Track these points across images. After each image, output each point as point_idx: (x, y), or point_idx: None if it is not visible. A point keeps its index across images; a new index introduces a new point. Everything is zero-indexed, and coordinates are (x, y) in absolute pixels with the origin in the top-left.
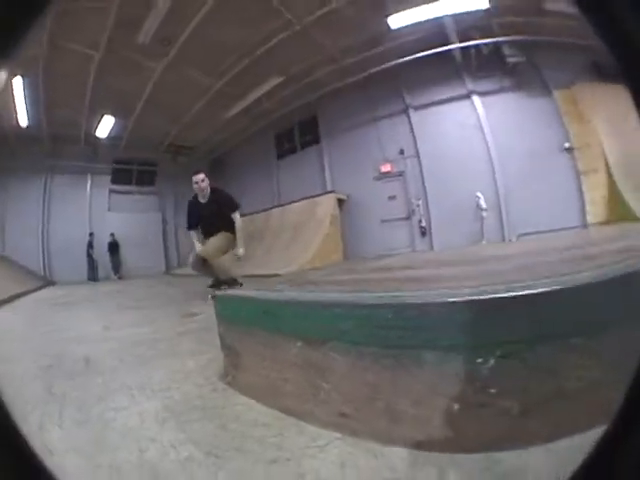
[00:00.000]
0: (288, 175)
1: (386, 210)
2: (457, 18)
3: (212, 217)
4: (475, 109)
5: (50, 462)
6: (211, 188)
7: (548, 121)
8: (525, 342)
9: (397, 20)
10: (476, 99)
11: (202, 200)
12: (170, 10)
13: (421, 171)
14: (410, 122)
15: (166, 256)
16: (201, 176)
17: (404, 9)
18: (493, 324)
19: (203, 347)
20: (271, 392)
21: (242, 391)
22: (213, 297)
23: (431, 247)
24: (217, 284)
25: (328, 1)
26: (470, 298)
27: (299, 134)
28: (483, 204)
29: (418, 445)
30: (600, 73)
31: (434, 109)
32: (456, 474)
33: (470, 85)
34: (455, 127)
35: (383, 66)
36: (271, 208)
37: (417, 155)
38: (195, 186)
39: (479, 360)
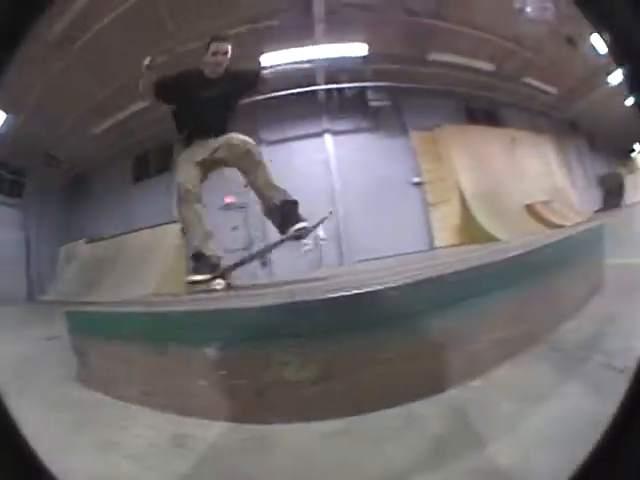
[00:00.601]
0: (143, 200)
1: (229, 240)
2: (330, 62)
3: (219, 105)
4: (325, 146)
5: (50, 462)
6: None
7: (400, 159)
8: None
9: (270, 59)
10: (328, 137)
11: (211, 75)
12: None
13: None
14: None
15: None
16: (227, 47)
17: (280, 49)
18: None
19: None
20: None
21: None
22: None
23: (271, 276)
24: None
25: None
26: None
27: (154, 159)
28: (321, 234)
29: (206, 416)
30: (469, 117)
31: (285, 145)
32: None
33: (326, 124)
34: (303, 163)
35: (242, 101)
36: (126, 233)
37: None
38: (211, 58)
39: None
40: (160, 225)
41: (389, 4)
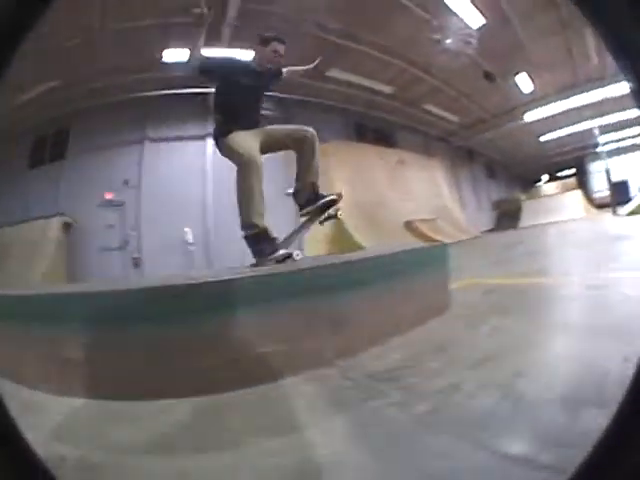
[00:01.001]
0: (37, 187)
1: (105, 238)
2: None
3: (258, 96)
4: (206, 151)
5: (50, 462)
6: None
7: (280, 169)
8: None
9: (171, 55)
10: (209, 142)
11: (258, 68)
12: None
13: (139, 203)
14: (142, 154)
15: None
16: (284, 48)
17: (182, 47)
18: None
19: None
20: None
21: None
22: None
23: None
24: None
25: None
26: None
27: (51, 145)
28: (190, 239)
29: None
30: (359, 134)
31: (170, 144)
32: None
33: (210, 128)
34: (181, 165)
35: (139, 94)
36: (20, 222)
37: (139, 187)
38: (271, 55)
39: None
40: (46, 217)
41: (303, 16)
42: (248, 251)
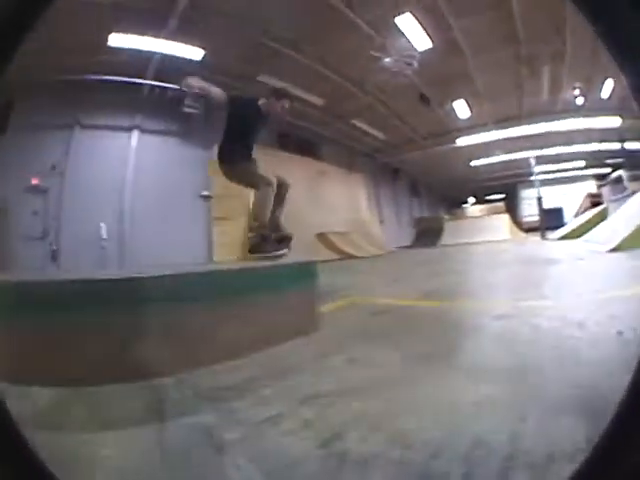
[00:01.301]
0: None
1: (29, 226)
2: (167, 58)
3: (256, 134)
4: (131, 143)
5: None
6: None
7: (198, 169)
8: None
9: (117, 40)
10: (136, 134)
11: (264, 113)
12: None
13: (62, 191)
14: (71, 139)
15: None
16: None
17: (128, 33)
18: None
19: None
20: None
21: None
22: None
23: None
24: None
25: None
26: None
27: None
28: (104, 234)
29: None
30: (282, 143)
31: (96, 133)
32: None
33: (138, 120)
34: (106, 156)
35: (78, 77)
36: None
37: (64, 174)
38: (279, 108)
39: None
40: None
41: (251, 18)
42: (159, 251)
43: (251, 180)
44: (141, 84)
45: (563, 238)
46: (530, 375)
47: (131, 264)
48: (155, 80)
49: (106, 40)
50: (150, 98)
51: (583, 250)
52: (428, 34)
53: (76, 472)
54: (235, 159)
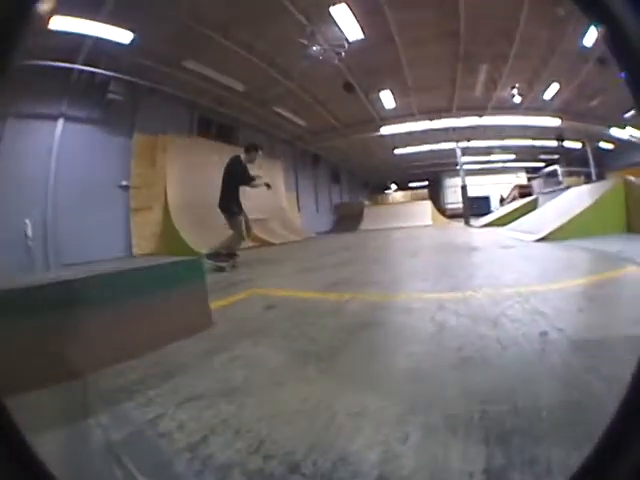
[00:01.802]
0: None
1: None
2: (96, 42)
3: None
4: (56, 131)
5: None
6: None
7: (118, 159)
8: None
9: (59, 23)
10: (61, 122)
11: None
12: None
13: None
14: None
15: None
16: None
17: (55, 14)
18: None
19: None
20: None
21: None
22: None
23: None
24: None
25: None
26: None
27: None
28: (29, 232)
29: None
30: (203, 129)
31: (24, 123)
32: None
33: (65, 107)
34: (32, 147)
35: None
36: None
37: None
38: (256, 159)
39: None
40: None
41: (180, 3)
42: (83, 246)
43: (235, 228)
44: (70, 69)
45: (488, 225)
46: (422, 385)
47: (57, 262)
48: (83, 65)
49: (31, 23)
50: (77, 84)
51: (509, 238)
52: (361, 25)
53: (76, 472)
54: (234, 211)
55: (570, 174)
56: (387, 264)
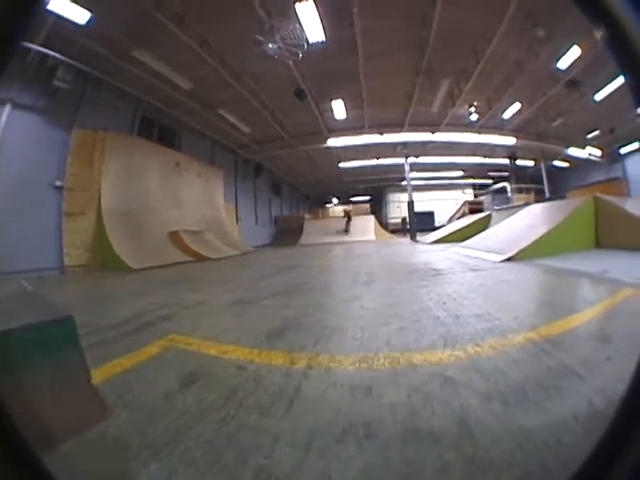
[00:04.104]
0: None
1: None
2: (57, 22)
3: None
4: (2, 119)
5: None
6: None
7: (53, 155)
8: None
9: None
10: (8, 108)
11: None
12: None
13: None
14: None
15: None
16: None
17: None
18: None
19: None
20: None
21: None
22: None
23: None
24: None
25: None
26: None
27: None
28: None
29: None
30: (144, 128)
31: None
32: None
33: (14, 92)
34: None
35: None
36: None
37: None
38: None
39: None
40: None
41: None
42: (9, 254)
43: None
44: (27, 49)
45: (439, 241)
46: None
47: None
48: (40, 45)
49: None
50: (29, 66)
51: (469, 257)
52: (324, 27)
53: (76, 472)
54: None
55: (520, 191)
56: (340, 295)
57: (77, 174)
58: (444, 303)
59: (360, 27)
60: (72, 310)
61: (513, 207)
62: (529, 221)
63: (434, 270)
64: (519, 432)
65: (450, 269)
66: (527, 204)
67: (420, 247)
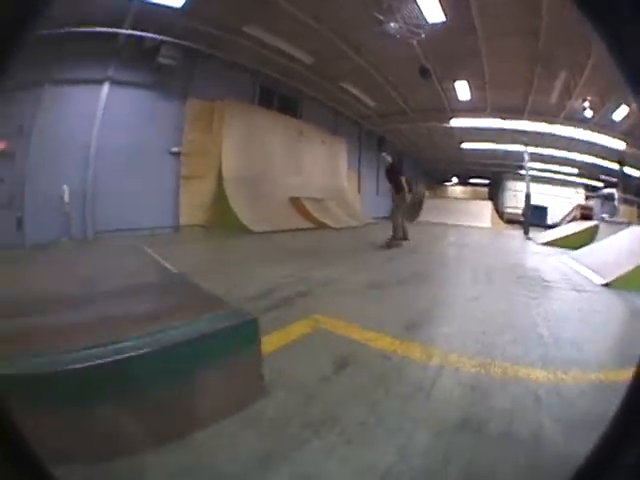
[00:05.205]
0: None
1: None
2: (146, 6)
3: None
4: (100, 97)
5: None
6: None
7: (168, 124)
8: None
9: None
10: (106, 86)
11: None
12: None
13: (28, 154)
14: (40, 97)
15: None
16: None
17: None
18: None
19: None
20: None
21: None
22: None
23: (24, 242)
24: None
25: None
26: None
27: None
28: (67, 198)
29: None
30: (263, 99)
31: (67, 88)
32: None
33: (110, 71)
34: (75, 112)
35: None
36: None
37: (30, 135)
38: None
39: None
40: None
41: None
42: (126, 213)
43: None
44: (117, 34)
45: (549, 244)
46: None
47: (96, 228)
48: (130, 29)
49: None
50: (125, 48)
51: (576, 273)
52: (442, 6)
53: (76, 472)
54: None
55: (625, 201)
56: (463, 293)
57: (195, 140)
58: (549, 321)
59: (476, 6)
60: (205, 278)
61: (618, 223)
62: (630, 245)
63: (544, 281)
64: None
65: (557, 283)
66: (630, 223)
67: (531, 246)
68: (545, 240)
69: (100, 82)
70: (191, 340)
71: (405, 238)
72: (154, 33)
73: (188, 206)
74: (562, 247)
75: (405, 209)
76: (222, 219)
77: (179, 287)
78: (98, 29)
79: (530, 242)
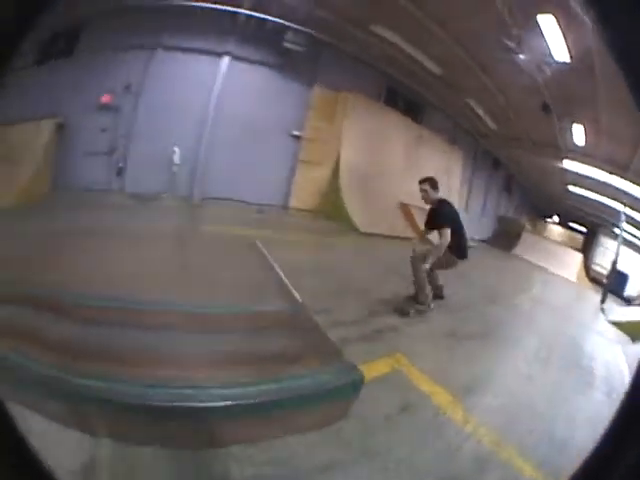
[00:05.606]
0: (38, 85)
1: (95, 142)
2: None
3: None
4: (219, 69)
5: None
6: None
7: (290, 107)
8: None
9: None
10: (226, 60)
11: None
12: None
13: (136, 111)
14: (151, 60)
15: None
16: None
17: None
18: None
19: None
20: None
21: None
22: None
23: (123, 187)
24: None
25: None
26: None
27: (63, 42)
28: (177, 159)
29: None
30: (388, 97)
31: (181, 55)
32: None
33: (230, 46)
34: (190, 80)
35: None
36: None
37: (139, 94)
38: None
39: None
40: (40, 118)
41: None
42: (233, 183)
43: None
44: (236, 12)
45: (616, 324)
46: None
47: (200, 192)
48: (252, 10)
49: None
50: (246, 27)
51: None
52: (568, 47)
53: (75, 472)
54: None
55: None
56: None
57: (317, 128)
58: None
59: (595, 49)
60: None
61: None
62: None
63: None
64: None
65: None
66: None
67: (599, 322)
68: (614, 318)
69: (219, 55)
70: (317, 392)
71: (439, 296)
72: (276, 17)
73: (301, 190)
74: (628, 333)
75: (436, 264)
76: (331, 209)
77: (301, 323)
78: (216, 6)
79: (600, 315)
